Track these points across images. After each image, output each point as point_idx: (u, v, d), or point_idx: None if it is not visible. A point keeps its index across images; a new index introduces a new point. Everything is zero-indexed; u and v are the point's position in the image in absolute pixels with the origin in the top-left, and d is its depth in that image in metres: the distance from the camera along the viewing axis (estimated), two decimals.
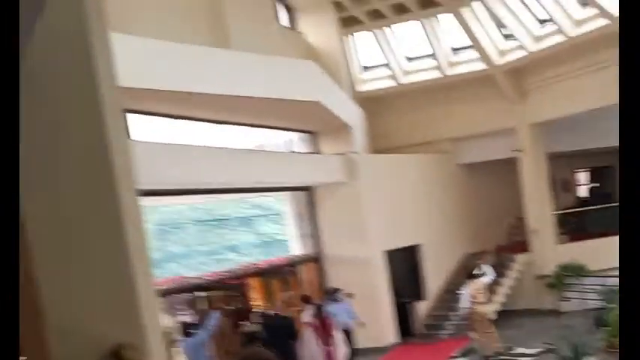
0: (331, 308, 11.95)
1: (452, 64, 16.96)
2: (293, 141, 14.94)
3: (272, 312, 11.68)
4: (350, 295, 12.79)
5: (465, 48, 16.74)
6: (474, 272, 13.27)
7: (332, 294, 12.67)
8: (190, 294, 11.07)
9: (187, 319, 11.05)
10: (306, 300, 11.75)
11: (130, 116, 9.86)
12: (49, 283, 2.83)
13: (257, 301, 12.46)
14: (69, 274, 2.87)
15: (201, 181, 10.75)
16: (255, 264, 13.50)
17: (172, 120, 11.32)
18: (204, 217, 22.81)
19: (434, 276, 16.45)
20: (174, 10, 11.46)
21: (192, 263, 22.35)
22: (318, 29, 16.54)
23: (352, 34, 17.28)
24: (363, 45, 17.54)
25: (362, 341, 13.57)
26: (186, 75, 9.71)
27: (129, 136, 7.38)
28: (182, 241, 24.49)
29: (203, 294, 11.50)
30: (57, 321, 2.81)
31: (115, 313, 2.90)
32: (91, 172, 2.96)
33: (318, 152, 15.42)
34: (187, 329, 9.56)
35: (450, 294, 15.72)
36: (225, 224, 21.32)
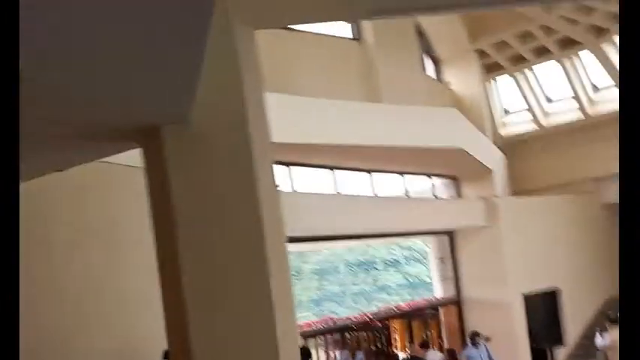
0: (470, 352, 11.49)
1: (593, 103, 15.96)
2: (435, 186, 14.58)
3: (409, 355, 11.37)
4: (488, 339, 12.18)
5: (606, 88, 15.66)
6: (615, 318, 12.03)
7: (472, 338, 12.07)
8: (339, 334, 11.03)
9: (338, 357, 11.16)
10: (424, 346, 11.27)
11: (288, 169, 10.26)
12: (198, 329, 2.84)
13: (398, 342, 12.22)
14: (216, 319, 2.89)
15: (352, 227, 10.89)
16: (397, 306, 13.32)
17: (325, 170, 11.54)
18: (358, 260, 23.07)
19: (573, 321, 15.17)
20: (331, 70, 11.82)
21: (347, 302, 22.69)
22: (462, 77, 16.35)
23: (494, 79, 16.87)
24: (505, 89, 17.03)
25: None
26: (339, 129, 9.95)
27: (277, 187, 7.67)
28: (338, 282, 25.09)
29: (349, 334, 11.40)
30: None
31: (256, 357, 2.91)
32: (242, 221, 2.97)
33: (459, 196, 14.98)
34: None
35: (589, 340, 14.29)
36: (376, 266, 21.38)
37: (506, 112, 17.28)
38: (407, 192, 13.54)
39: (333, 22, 11.67)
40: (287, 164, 10.36)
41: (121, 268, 4.71)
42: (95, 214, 4.76)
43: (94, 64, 2.09)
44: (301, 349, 6.98)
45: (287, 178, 10.37)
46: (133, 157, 3.12)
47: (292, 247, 13.24)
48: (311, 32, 11.82)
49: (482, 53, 16.21)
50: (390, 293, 19.67)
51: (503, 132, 17.01)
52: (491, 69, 16.49)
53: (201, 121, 2.87)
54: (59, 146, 3.29)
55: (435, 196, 14.33)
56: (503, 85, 17.04)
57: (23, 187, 3.86)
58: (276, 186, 7.80)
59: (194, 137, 2.88)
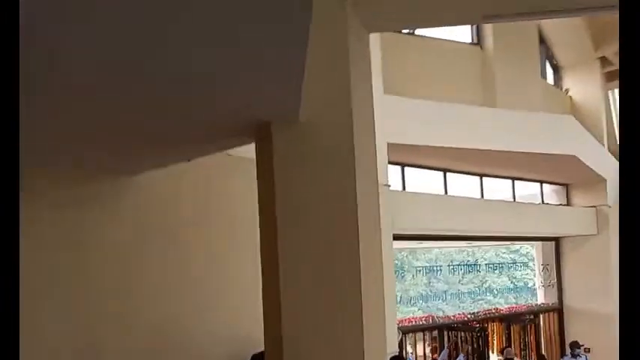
0: None
1: None
2: (545, 192, 13.88)
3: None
4: (588, 350, 11.65)
5: None
6: None
7: (571, 348, 11.52)
8: (437, 331, 10.81)
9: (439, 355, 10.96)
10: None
11: (402, 169, 10.21)
12: (291, 322, 2.85)
13: (495, 345, 11.75)
14: (310, 316, 2.88)
15: (459, 227, 10.72)
16: (497, 309, 12.80)
17: (437, 172, 11.38)
18: (467, 260, 22.67)
19: None
20: (449, 74, 11.64)
21: (454, 300, 22.35)
22: (582, 84, 15.49)
23: (616, 88, 15.75)
24: None
25: None
26: (453, 132, 9.77)
27: (388, 186, 7.57)
28: (446, 280, 24.84)
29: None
30: (295, 356, 2.82)
31: (343, 353, 2.87)
32: (338, 216, 2.95)
33: (568, 204, 14.16)
34: None
35: None
36: (484, 267, 20.95)
37: None
38: (516, 197, 13.07)
39: (454, 27, 11.49)
40: (401, 164, 10.32)
41: (239, 255, 4.80)
42: (217, 201, 4.89)
43: (213, 71, 2.19)
44: (393, 358, 6.84)
45: (399, 178, 10.32)
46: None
47: (403, 245, 13.20)
48: (431, 37, 11.71)
49: (604, 60, 15.23)
50: (496, 295, 19.12)
51: None
52: (613, 77, 15.43)
53: (309, 118, 2.86)
54: (186, 141, 3.43)
55: (544, 203, 13.67)
56: None
57: (155, 173, 4.16)
58: (386, 185, 7.77)
59: (301, 134, 2.89)
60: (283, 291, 2.83)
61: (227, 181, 4.93)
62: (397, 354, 7.46)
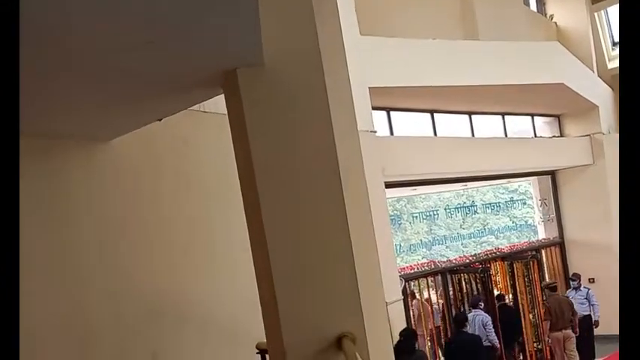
0: (570, 294, 11.41)
1: None
2: (537, 126, 13.93)
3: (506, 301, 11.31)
4: (591, 280, 12.09)
5: None
6: None
7: (572, 280, 11.90)
8: (440, 276, 10.99)
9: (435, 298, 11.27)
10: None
11: (387, 114, 10.19)
12: (281, 275, 2.84)
13: (500, 284, 12.00)
14: (299, 268, 2.88)
15: (453, 170, 10.75)
16: (498, 248, 12.98)
17: (424, 114, 11.37)
18: (466, 203, 22.88)
19: None
20: (425, 9, 11.41)
21: (456, 245, 22.71)
22: (567, 8, 15.23)
23: (604, 9, 15.55)
24: (615, 20, 15.52)
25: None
26: (437, 69, 9.69)
27: (374, 131, 7.56)
28: (447, 226, 25.18)
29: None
30: (289, 310, 2.83)
31: (339, 307, 2.89)
32: (321, 165, 2.93)
33: (562, 135, 14.23)
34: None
35: None
36: (483, 209, 21.19)
37: (616, 44, 15.85)
38: (507, 133, 13.11)
39: None
40: (386, 109, 10.28)
41: (225, 214, 4.82)
42: (195, 163, 4.89)
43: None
44: (405, 330, 6.87)
45: (386, 124, 10.30)
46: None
47: (398, 193, 13.24)
48: None
49: None
50: (498, 236, 19.40)
51: (612, 65, 15.61)
52: None
53: (275, 62, 2.83)
54: (154, 96, 3.38)
55: (536, 136, 13.74)
56: (614, 16, 15.58)
57: (130, 136, 4.14)
58: (372, 131, 7.77)
59: (269, 78, 2.84)
60: (270, 247, 2.81)
61: (204, 138, 4.93)
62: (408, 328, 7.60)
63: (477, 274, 10.96)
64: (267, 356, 3.61)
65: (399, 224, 19.44)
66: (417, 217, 20.72)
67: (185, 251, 4.69)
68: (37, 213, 3.73)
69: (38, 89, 2.83)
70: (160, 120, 3.90)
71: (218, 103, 3.53)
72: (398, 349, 5.91)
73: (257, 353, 3.78)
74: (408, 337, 6.78)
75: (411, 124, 11.02)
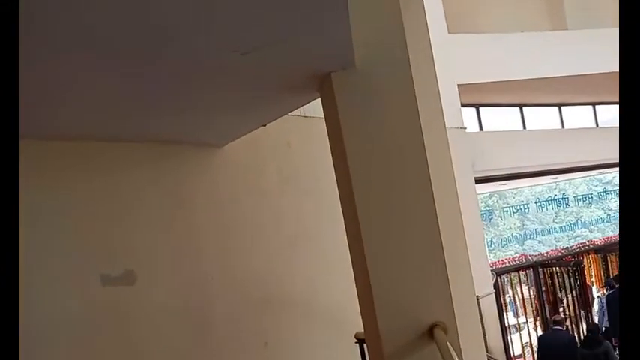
0: None
1: None
2: None
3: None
4: None
5: None
6: None
7: None
8: (532, 270, 10.67)
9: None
10: None
11: (476, 110, 10.04)
12: (376, 266, 2.90)
13: (593, 277, 11.48)
14: (392, 259, 2.92)
15: (544, 162, 10.39)
16: (591, 241, 12.49)
17: (514, 108, 11.10)
18: (558, 197, 22.07)
19: None
20: (511, 3, 11.10)
21: (549, 239, 21.93)
22: None
23: None
24: None
25: None
26: (525, 62, 9.46)
27: (464, 128, 7.48)
28: (539, 220, 24.35)
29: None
30: (384, 300, 2.88)
31: (430, 297, 2.91)
32: (410, 162, 2.97)
33: None
34: None
35: None
36: (577, 202, 20.38)
37: None
38: (598, 122, 12.51)
39: None
40: (475, 105, 10.15)
41: (327, 213, 5.01)
42: (298, 164, 5.09)
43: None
44: (591, 325, 7.25)
45: (475, 120, 10.16)
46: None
47: (489, 188, 12.98)
48: None
49: None
50: (592, 229, 18.57)
51: None
52: None
53: (365, 65, 2.90)
54: (257, 103, 3.54)
55: None
56: None
57: (239, 142, 4.41)
58: (462, 127, 7.70)
59: (361, 81, 2.92)
60: (365, 240, 2.88)
61: (305, 141, 5.11)
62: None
63: (569, 268, 10.57)
64: (364, 345, 3.69)
65: (491, 220, 19.02)
66: (508, 212, 20.19)
67: (292, 245, 4.91)
68: (159, 212, 4.05)
69: (160, 100, 3.07)
70: (265, 125, 4.10)
71: (316, 108, 3.68)
72: (586, 340, 7.88)
73: (356, 342, 3.87)
74: (594, 330, 8.17)
75: (500, 119, 10.79)
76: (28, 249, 3.39)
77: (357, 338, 3.85)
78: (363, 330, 3.19)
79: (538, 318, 10.50)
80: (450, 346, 2.51)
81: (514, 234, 22.11)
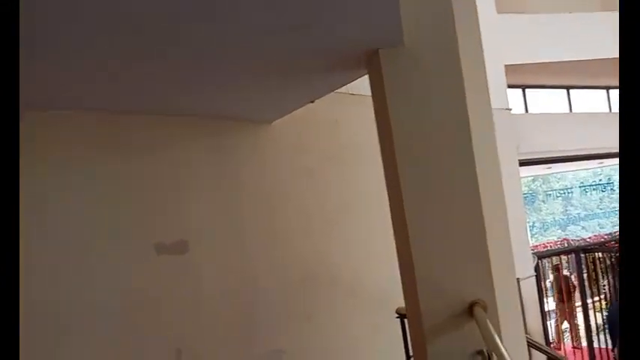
0: None
1: None
2: None
3: None
4: None
5: None
6: None
7: None
8: (573, 254, 10.50)
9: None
10: None
11: (522, 91, 9.87)
12: (419, 244, 2.94)
13: None
14: (435, 238, 2.96)
15: (590, 146, 10.17)
16: None
17: (561, 90, 10.87)
18: (603, 182, 21.58)
19: None
20: None
21: (592, 225, 21.49)
22: None
23: None
24: None
25: None
26: (573, 43, 9.24)
27: (509, 110, 7.37)
28: (583, 205, 23.85)
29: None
30: (425, 277, 2.93)
31: (471, 274, 2.94)
32: (455, 142, 2.98)
33: None
34: None
35: None
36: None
37: None
38: None
39: None
40: (522, 87, 9.98)
41: (374, 192, 5.07)
42: (344, 141, 5.13)
43: None
44: None
45: (521, 101, 10.00)
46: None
47: (533, 172, 12.80)
48: None
49: None
50: None
51: None
52: None
53: (413, 42, 2.91)
54: (305, 79, 3.60)
55: None
56: None
57: (288, 118, 4.49)
58: (507, 109, 7.60)
59: (408, 59, 2.93)
60: (409, 217, 2.92)
61: (351, 118, 5.15)
62: None
63: (612, 254, 10.36)
64: (405, 320, 3.74)
65: (534, 203, 18.74)
66: (551, 196, 19.83)
67: (335, 224, 4.98)
68: (210, 186, 4.18)
69: (211, 75, 3.15)
70: (313, 102, 4.16)
71: (363, 86, 3.71)
72: None
73: (397, 317, 3.92)
74: None
75: (546, 102, 10.59)
76: (86, 218, 3.56)
77: (398, 313, 3.89)
78: (404, 306, 3.23)
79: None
80: (488, 323, 2.53)
81: (557, 219, 21.72)
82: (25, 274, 2.97)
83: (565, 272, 10.71)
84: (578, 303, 10.34)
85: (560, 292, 10.31)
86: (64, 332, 3.39)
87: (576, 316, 10.54)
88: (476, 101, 3.09)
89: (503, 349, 2.12)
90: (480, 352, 2.87)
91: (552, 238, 15.88)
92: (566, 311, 10.46)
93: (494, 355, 2.12)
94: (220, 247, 4.17)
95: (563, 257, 10.45)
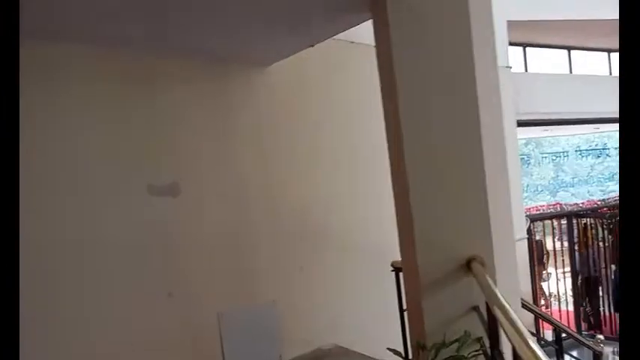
0: None
1: None
2: None
3: None
4: None
5: None
6: None
7: None
8: (566, 219, 10.58)
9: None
10: None
11: (523, 49, 9.77)
12: (419, 197, 2.93)
13: None
14: (435, 193, 2.95)
15: (588, 110, 10.13)
16: None
17: (561, 51, 10.78)
18: (595, 148, 21.66)
19: None
20: None
21: (580, 192, 21.65)
22: None
23: None
24: None
25: None
26: (576, 1, 9.09)
27: (509, 67, 7.30)
28: (573, 171, 23.96)
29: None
30: (424, 230, 2.93)
31: (470, 231, 2.95)
32: (460, 95, 2.94)
33: None
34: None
35: None
36: (611, 155, 19.98)
37: None
38: None
39: None
40: (522, 45, 9.88)
41: (371, 144, 5.04)
42: (340, 88, 5.07)
43: None
44: None
45: (521, 59, 9.91)
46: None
47: (527, 134, 12.80)
48: None
49: None
50: None
51: None
52: None
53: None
54: (306, 21, 3.56)
55: None
56: None
57: (285, 62, 4.41)
58: (507, 66, 7.52)
59: (415, 5, 2.86)
60: (409, 170, 2.90)
61: (349, 66, 5.07)
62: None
63: (604, 220, 10.45)
64: (400, 274, 3.75)
65: (527, 167, 18.80)
66: (545, 160, 19.90)
67: (330, 175, 4.96)
68: (205, 129, 4.15)
69: (211, 15, 3.08)
70: (313, 46, 4.10)
71: (363, 34, 3.64)
72: None
73: (392, 271, 3.93)
74: None
75: (546, 62, 10.52)
76: (77, 154, 3.51)
77: (393, 267, 3.91)
78: (399, 259, 3.24)
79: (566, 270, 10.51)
80: (488, 277, 2.54)
81: (547, 183, 21.87)
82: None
83: (538, 237, 10.78)
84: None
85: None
86: (54, 272, 3.39)
87: (543, 281, 10.72)
88: (481, 56, 3.03)
89: (502, 300, 2.13)
90: (474, 308, 2.90)
91: (542, 202, 16.00)
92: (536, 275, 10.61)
93: (495, 308, 2.12)
94: (213, 193, 4.15)
95: (555, 221, 10.53)
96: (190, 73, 4.05)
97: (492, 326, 2.47)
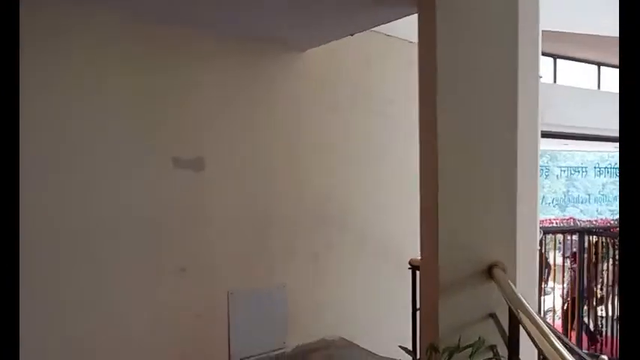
0: None
1: None
2: None
3: None
4: None
5: None
6: None
7: None
8: (577, 235, 10.54)
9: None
10: None
11: (553, 60, 9.70)
12: (447, 196, 2.90)
13: None
14: (464, 195, 2.93)
15: (613, 127, 10.00)
16: None
17: (592, 65, 10.71)
18: (610, 166, 21.53)
19: None
20: None
21: (589, 209, 21.56)
22: None
23: None
24: None
25: None
26: (609, 18, 9.00)
27: (540, 77, 7.28)
28: (585, 188, 23.84)
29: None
30: (448, 230, 2.91)
31: (495, 237, 2.93)
32: (500, 99, 2.92)
33: None
34: None
35: None
36: None
37: None
38: None
39: None
40: (553, 56, 9.81)
41: (392, 134, 5.03)
42: (374, 80, 5.06)
43: None
44: None
45: (551, 70, 9.85)
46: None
47: (545, 146, 12.71)
48: None
49: None
50: None
51: None
52: None
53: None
54: (349, 10, 3.55)
55: None
56: None
57: (322, 49, 4.42)
58: (539, 75, 7.49)
59: (465, 9, 2.83)
60: (441, 172, 2.87)
61: (385, 59, 5.05)
62: None
63: (615, 239, 10.39)
64: (417, 273, 3.74)
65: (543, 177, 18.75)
66: (558, 175, 19.84)
67: (355, 165, 4.96)
68: (235, 106, 4.16)
69: None
70: (353, 35, 4.08)
71: (398, 28, 3.62)
72: None
73: (409, 268, 3.92)
74: None
75: (574, 75, 10.45)
76: (108, 128, 3.53)
77: (411, 265, 3.90)
78: (418, 258, 3.22)
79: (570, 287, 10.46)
80: (510, 283, 2.53)
81: (558, 197, 21.80)
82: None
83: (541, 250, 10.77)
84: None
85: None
86: (71, 246, 3.42)
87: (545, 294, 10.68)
88: (525, 64, 3.01)
89: (527, 305, 2.12)
90: (491, 315, 2.89)
91: (551, 216, 15.94)
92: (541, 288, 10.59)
93: (520, 314, 2.11)
94: (236, 171, 4.17)
95: (567, 236, 10.47)
96: (224, 50, 4.05)
97: (513, 334, 2.45)
